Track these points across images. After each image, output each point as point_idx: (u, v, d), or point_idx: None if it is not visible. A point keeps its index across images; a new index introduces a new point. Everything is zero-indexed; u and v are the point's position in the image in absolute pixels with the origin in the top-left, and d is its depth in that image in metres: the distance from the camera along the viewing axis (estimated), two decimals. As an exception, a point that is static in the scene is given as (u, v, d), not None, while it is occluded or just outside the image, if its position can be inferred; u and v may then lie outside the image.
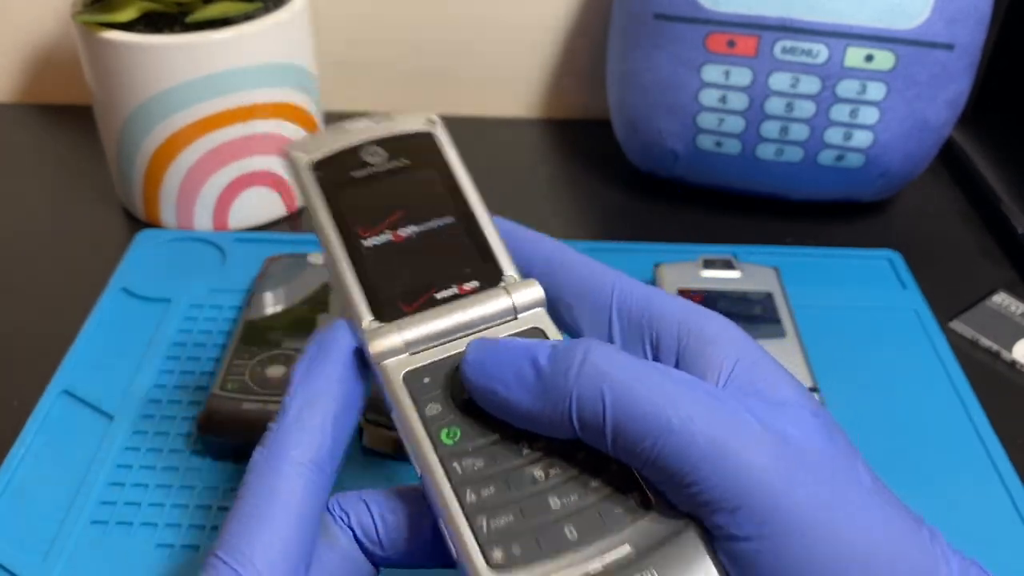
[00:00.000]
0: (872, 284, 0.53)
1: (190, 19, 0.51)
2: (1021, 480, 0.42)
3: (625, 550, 0.23)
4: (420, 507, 0.28)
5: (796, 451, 0.25)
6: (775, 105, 0.54)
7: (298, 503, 0.26)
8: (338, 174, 0.29)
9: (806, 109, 0.53)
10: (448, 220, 0.30)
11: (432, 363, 0.27)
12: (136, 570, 0.37)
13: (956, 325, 0.51)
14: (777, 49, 0.52)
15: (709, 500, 0.24)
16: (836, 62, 0.52)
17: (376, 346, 0.27)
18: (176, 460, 0.41)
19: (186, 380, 0.45)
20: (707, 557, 0.24)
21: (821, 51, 0.52)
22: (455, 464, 0.25)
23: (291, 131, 0.56)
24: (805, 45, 0.52)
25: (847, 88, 0.53)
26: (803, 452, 0.25)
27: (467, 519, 0.24)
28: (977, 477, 0.42)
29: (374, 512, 0.28)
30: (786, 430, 0.25)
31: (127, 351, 0.47)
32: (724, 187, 0.59)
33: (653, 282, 0.50)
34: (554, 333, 0.28)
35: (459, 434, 0.25)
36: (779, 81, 0.53)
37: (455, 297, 0.28)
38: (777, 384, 0.27)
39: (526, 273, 0.30)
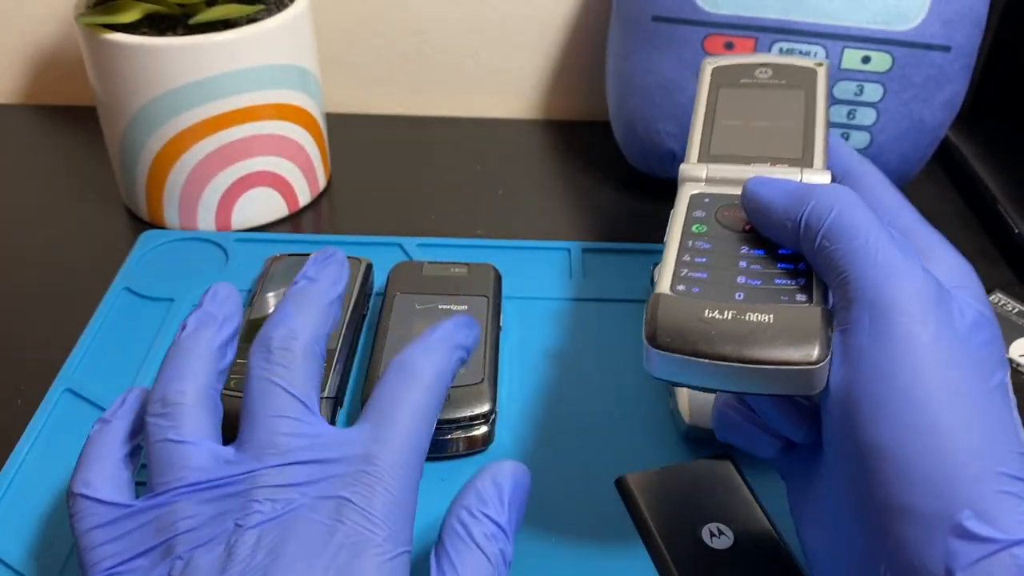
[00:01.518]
0: (869, 284, 0.53)
1: (193, 21, 0.51)
2: (1015, 478, 0.42)
3: (769, 315, 0.30)
4: None
5: (945, 311, 0.29)
6: (773, 106, 0.54)
7: None
8: (729, 78, 0.40)
9: (803, 110, 0.54)
10: (793, 124, 0.38)
11: (716, 194, 0.35)
12: (140, 566, 0.37)
13: (952, 325, 0.52)
14: (774, 51, 0.53)
15: (857, 297, 0.29)
16: (833, 64, 0.52)
17: (685, 171, 0.36)
18: (179, 458, 0.41)
19: (189, 379, 0.45)
20: (819, 323, 0.29)
21: (818, 53, 0.52)
22: (690, 241, 0.33)
23: (293, 132, 0.56)
24: (802, 47, 0.52)
25: (844, 89, 0.53)
26: (950, 317, 0.29)
27: (675, 265, 0.32)
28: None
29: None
30: (950, 301, 0.29)
31: (131, 350, 0.47)
32: (722, 188, 0.59)
33: (652, 282, 0.50)
34: None
35: (705, 231, 0.34)
36: (777, 83, 0.53)
37: (764, 168, 0.36)
38: (975, 302, 0.30)
39: (840, 181, 0.36)
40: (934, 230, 0.34)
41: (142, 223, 0.57)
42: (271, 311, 0.47)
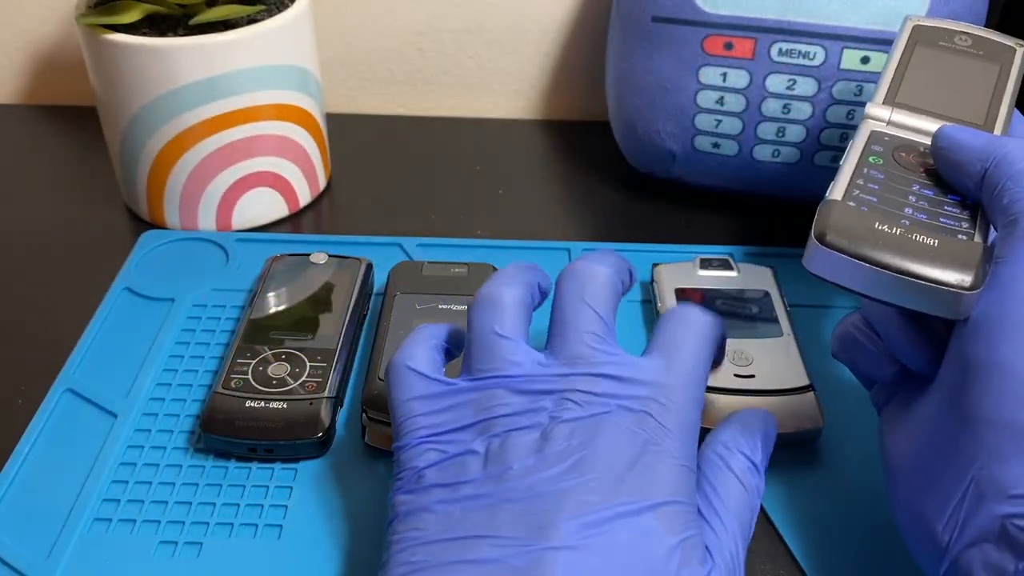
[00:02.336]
0: (868, 284, 0.53)
1: (194, 21, 0.51)
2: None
3: (932, 240, 0.32)
4: None
5: None
6: (772, 107, 0.54)
7: None
8: (928, 37, 0.42)
9: (803, 111, 0.54)
10: (981, 94, 0.39)
11: (895, 136, 0.38)
12: (139, 567, 0.37)
13: (951, 325, 0.52)
14: (774, 51, 0.53)
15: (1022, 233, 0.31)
16: (833, 64, 0.53)
17: (871, 109, 0.39)
18: (179, 458, 0.42)
19: (189, 379, 0.45)
20: (979, 255, 0.32)
21: (818, 53, 0.52)
22: (865, 169, 0.35)
23: (294, 132, 0.56)
24: (802, 47, 0.53)
25: (844, 90, 0.53)
26: None
27: (849, 181, 0.35)
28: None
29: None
30: None
31: (131, 350, 0.47)
32: (721, 188, 0.59)
33: (651, 282, 0.50)
34: None
35: (881, 162, 0.36)
36: (776, 83, 0.54)
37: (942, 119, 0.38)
38: None
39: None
40: None
41: (143, 223, 0.57)
42: (270, 311, 0.47)
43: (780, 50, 0.53)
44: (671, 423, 0.32)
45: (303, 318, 0.47)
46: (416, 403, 0.34)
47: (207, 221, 0.56)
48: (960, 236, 0.33)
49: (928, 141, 0.37)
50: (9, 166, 0.64)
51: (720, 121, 0.55)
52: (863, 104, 0.53)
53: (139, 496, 0.40)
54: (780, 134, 0.55)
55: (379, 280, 0.51)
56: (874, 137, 0.37)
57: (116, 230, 0.57)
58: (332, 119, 0.63)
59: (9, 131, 0.68)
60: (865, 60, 0.52)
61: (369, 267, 0.51)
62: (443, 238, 0.56)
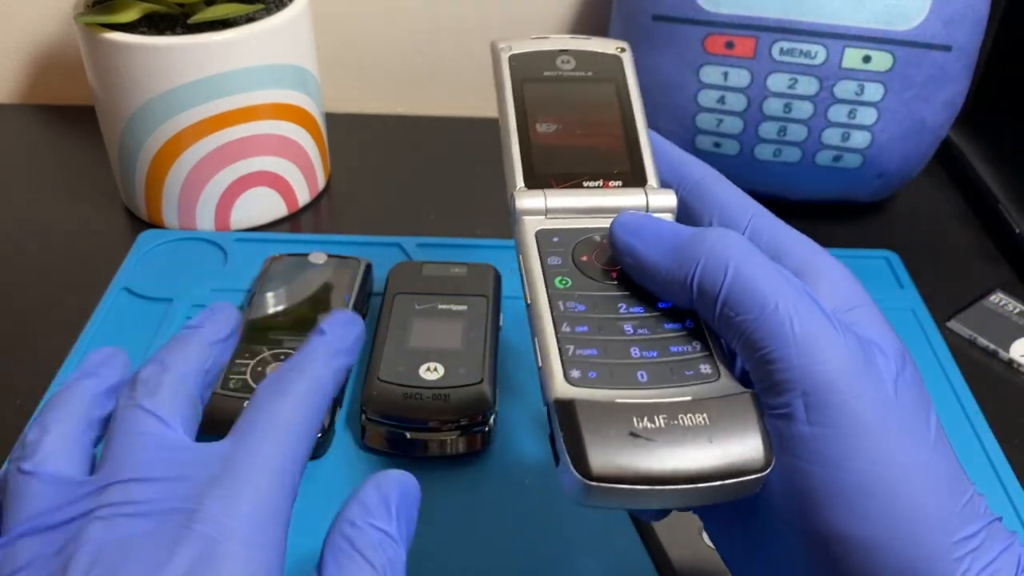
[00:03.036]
0: (870, 284, 0.52)
1: (192, 20, 0.51)
2: (1018, 479, 0.42)
3: (685, 397, 0.26)
4: None
5: (875, 373, 0.27)
6: (773, 106, 0.54)
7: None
8: (530, 70, 0.35)
9: (804, 110, 0.54)
10: (613, 128, 0.34)
11: (563, 229, 0.31)
12: (138, 567, 0.37)
13: (953, 325, 0.52)
14: (775, 50, 0.53)
15: (785, 380, 0.26)
16: (834, 63, 0.52)
17: (522, 203, 0.31)
18: (178, 458, 0.41)
19: (188, 379, 0.45)
20: (756, 418, 0.26)
21: (819, 52, 0.52)
22: (560, 303, 0.29)
23: (293, 132, 0.56)
24: (803, 46, 0.52)
25: (845, 89, 0.53)
26: (881, 378, 0.27)
27: (558, 342, 0.28)
28: (974, 476, 0.41)
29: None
30: (874, 357, 0.27)
31: (129, 350, 0.46)
32: (723, 187, 0.59)
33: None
34: None
35: (570, 283, 0.29)
36: (777, 82, 0.53)
37: (599, 188, 0.32)
38: (875, 331, 0.28)
39: (676, 188, 0.33)
40: (799, 233, 0.31)
41: (141, 223, 0.57)
42: (269, 311, 0.47)
43: (781, 49, 0.53)
44: (236, 521, 0.25)
45: (302, 318, 0.47)
46: None
47: (205, 221, 0.56)
48: (704, 368, 0.27)
49: (597, 223, 0.31)
50: (9, 166, 0.64)
51: (721, 120, 0.55)
52: (865, 103, 0.53)
53: (137, 497, 0.40)
54: (781, 133, 0.55)
55: (379, 280, 0.51)
56: (543, 243, 0.30)
57: (114, 230, 0.57)
58: (332, 119, 0.63)
59: (9, 131, 0.68)
60: (867, 59, 0.52)
61: (368, 267, 0.50)
62: (443, 238, 0.55)
